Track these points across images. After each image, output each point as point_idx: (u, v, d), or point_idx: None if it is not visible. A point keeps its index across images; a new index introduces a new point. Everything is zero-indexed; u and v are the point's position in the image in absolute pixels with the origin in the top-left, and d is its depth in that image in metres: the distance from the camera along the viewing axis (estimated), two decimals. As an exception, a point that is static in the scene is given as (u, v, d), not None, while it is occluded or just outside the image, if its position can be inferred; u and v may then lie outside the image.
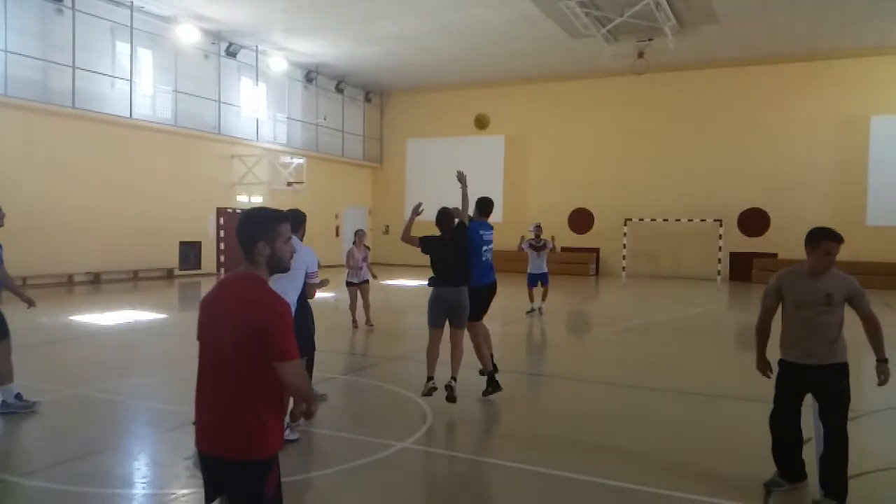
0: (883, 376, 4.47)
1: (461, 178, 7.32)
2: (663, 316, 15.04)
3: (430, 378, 6.81)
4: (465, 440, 6.21)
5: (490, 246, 7.57)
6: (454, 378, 6.83)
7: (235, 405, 2.62)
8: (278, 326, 2.57)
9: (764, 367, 4.80)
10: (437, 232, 6.98)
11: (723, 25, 20.66)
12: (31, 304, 6.61)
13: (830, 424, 4.41)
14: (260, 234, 2.70)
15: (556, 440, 5.95)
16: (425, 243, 6.99)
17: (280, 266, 2.77)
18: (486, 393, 7.18)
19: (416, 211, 7.15)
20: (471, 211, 7.54)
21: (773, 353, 4.73)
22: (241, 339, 2.57)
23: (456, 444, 6.07)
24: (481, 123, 9.27)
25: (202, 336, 2.76)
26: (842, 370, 4.47)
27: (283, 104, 26.31)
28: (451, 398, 6.72)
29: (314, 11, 20.16)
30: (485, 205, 7.71)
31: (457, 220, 7.09)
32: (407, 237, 7.12)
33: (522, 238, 14.48)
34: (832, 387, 4.43)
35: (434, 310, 6.89)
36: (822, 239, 4.39)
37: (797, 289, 4.51)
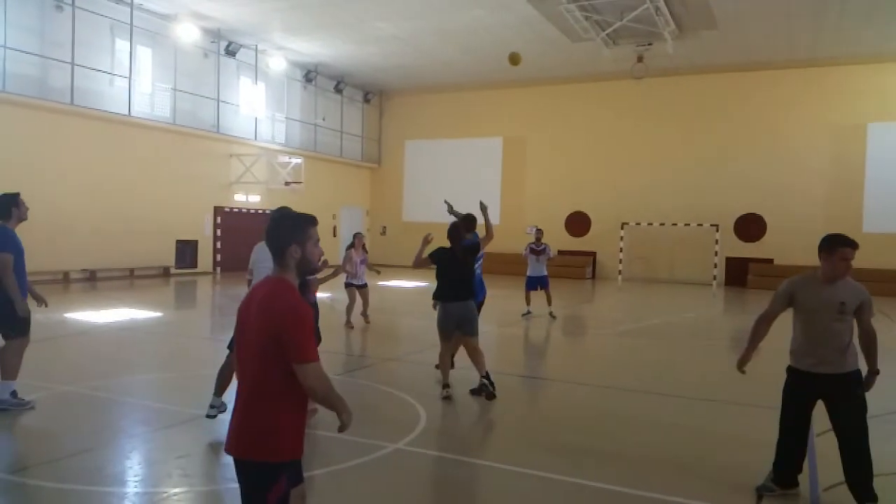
0: (868, 386, 4.49)
1: (483, 208, 7.72)
2: (658, 320, 15.05)
3: (445, 385, 7.14)
4: (459, 442, 6.20)
5: (480, 262, 7.91)
6: (482, 376, 7.12)
7: (254, 407, 2.66)
8: (297, 328, 2.59)
9: (743, 364, 4.76)
10: (443, 231, 7.28)
11: (722, 31, 20.71)
12: (41, 302, 6.59)
13: (848, 432, 4.38)
14: (291, 237, 2.74)
15: (551, 443, 5.96)
16: (435, 256, 7.25)
17: (310, 268, 2.82)
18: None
19: (427, 240, 7.43)
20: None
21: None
22: (263, 341, 2.61)
23: (450, 445, 6.06)
24: (514, 60, 9.75)
25: (235, 341, 2.83)
26: (855, 378, 4.45)
27: (282, 104, 26.30)
28: (490, 396, 7.07)
29: (314, 11, 20.15)
30: (470, 222, 8.00)
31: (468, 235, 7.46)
32: (419, 263, 7.31)
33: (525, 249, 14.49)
34: (848, 396, 4.41)
35: (444, 323, 7.17)
36: (838, 245, 4.39)
37: (811, 295, 4.48)
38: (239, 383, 2.78)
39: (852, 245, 4.39)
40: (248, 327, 2.72)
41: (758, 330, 4.74)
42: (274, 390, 2.63)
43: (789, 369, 4.65)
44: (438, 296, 7.21)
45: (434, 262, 7.23)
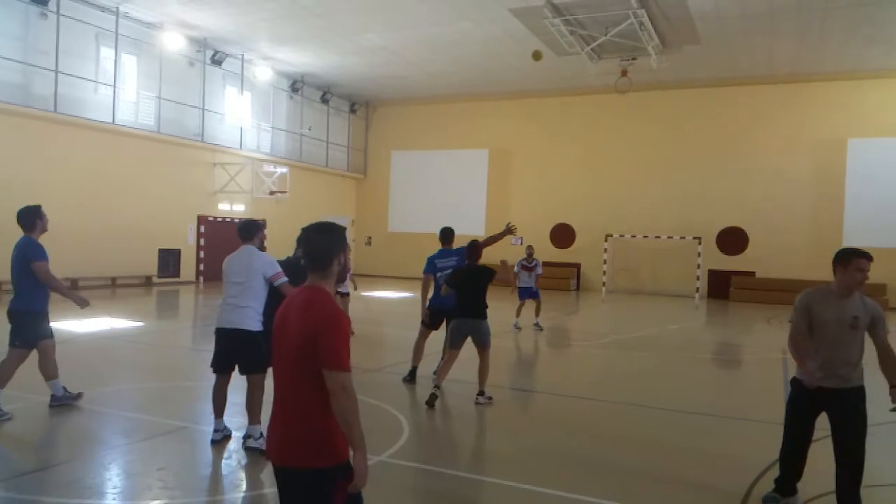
0: None
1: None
2: (642, 332, 15.11)
3: (436, 386, 7.33)
4: (442, 454, 6.18)
5: (446, 272, 8.16)
6: (479, 392, 7.42)
7: (300, 414, 2.68)
8: (335, 335, 2.63)
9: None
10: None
11: (705, 46, 21.00)
12: (83, 304, 6.73)
13: (847, 446, 4.39)
14: (339, 248, 2.84)
15: (536, 455, 5.94)
16: (453, 280, 7.61)
17: (345, 272, 2.94)
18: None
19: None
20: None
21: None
22: (302, 345, 2.65)
23: (433, 457, 6.04)
24: (536, 56, 11.05)
25: (274, 349, 2.85)
26: (860, 393, 4.45)
27: (268, 113, 26.26)
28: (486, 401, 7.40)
29: (300, 22, 20.18)
30: (445, 234, 8.62)
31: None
32: (445, 291, 7.82)
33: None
34: (850, 410, 4.41)
35: (454, 334, 7.49)
36: (854, 256, 4.42)
37: (825, 308, 4.48)
38: (278, 393, 2.79)
39: (867, 257, 4.43)
40: (286, 334, 2.74)
41: (797, 347, 4.57)
42: (317, 395, 2.64)
43: (794, 381, 4.64)
44: (455, 314, 7.53)
45: (452, 286, 7.60)
